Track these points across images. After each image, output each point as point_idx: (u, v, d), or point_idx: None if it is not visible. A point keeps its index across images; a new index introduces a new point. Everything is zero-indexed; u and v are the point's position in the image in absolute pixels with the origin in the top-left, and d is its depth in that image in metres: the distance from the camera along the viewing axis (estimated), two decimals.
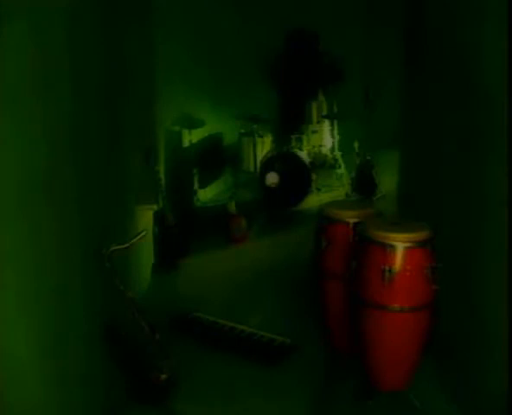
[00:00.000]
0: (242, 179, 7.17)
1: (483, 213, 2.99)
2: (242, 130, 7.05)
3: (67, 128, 2.72)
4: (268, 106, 7.12)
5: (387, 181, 6.26)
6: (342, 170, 7.27)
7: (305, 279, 4.49)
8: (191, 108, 6.66)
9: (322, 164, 7.22)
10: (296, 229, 6.21)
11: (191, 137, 6.70)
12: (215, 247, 5.79)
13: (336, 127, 7.22)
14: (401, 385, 3.16)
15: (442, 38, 3.64)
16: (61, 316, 2.55)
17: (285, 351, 3.90)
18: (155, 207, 5.23)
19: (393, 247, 2.98)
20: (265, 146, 6.98)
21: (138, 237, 3.11)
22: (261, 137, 6.98)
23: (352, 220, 3.41)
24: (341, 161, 7.28)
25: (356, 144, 6.76)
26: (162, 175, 5.34)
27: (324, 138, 7.20)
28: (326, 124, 7.18)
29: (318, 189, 6.84)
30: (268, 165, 6.61)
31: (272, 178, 6.57)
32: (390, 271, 2.95)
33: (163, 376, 3.21)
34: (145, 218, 4.92)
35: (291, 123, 6.94)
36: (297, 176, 6.60)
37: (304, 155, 6.81)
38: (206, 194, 7.15)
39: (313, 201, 6.58)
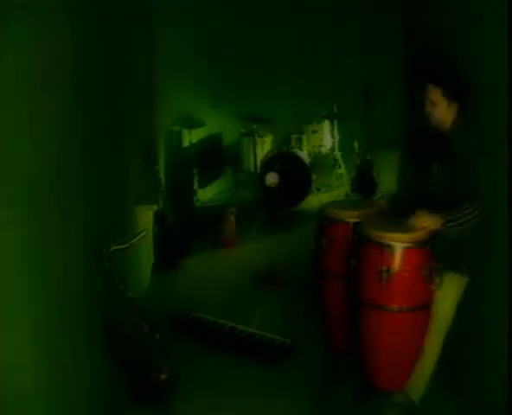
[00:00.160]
0: (242, 179, 7.16)
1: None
2: (242, 130, 7.05)
3: (73, 127, 2.73)
4: (268, 106, 7.11)
5: (387, 182, 6.26)
6: (342, 170, 7.27)
7: (305, 279, 4.50)
8: (191, 108, 6.66)
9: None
10: (296, 229, 6.21)
11: (191, 137, 6.70)
12: (215, 247, 5.79)
13: (336, 127, 7.21)
14: (400, 384, 3.16)
15: (442, 38, 3.64)
16: (63, 315, 2.55)
17: (285, 351, 3.90)
18: (155, 207, 5.23)
19: (391, 247, 2.98)
20: (265, 146, 6.98)
21: (138, 237, 3.11)
22: (261, 137, 6.98)
23: (352, 220, 3.41)
24: (341, 161, 7.28)
25: (356, 144, 6.76)
26: (162, 175, 5.34)
27: (324, 138, 7.19)
28: (326, 124, 7.17)
29: (318, 189, 6.84)
30: (268, 165, 6.61)
31: (271, 178, 6.57)
32: (388, 271, 2.95)
33: (163, 376, 3.21)
34: (145, 218, 4.92)
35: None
36: (297, 176, 6.60)
37: (304, 155, 6.80)
38: (206, 194, 7.15)
39: (313, 201, 6.58)
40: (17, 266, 2.17)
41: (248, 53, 7.20)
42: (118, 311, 3.13)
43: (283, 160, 6.62)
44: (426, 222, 3.01)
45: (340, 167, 7.28)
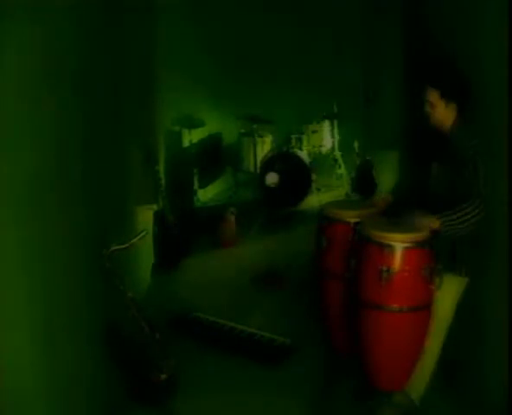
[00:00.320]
0: (242, 179, 7.17)
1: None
2: (242, 130, 7.05)
3: (73, 127, 2.74)
4: (268, 106, 7.11)
5: (387, 181, 6.26)
6: (342, 170, 7.27)
7: (305, 279, 4.50)
8: (191, 108, 6.66)
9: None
10: (296, 229, 6.21)
11: (191, 137, 6.70)
12: (215, 247, 5.79)
13: (336, 127, 7.21)
14: (400, 384, 3.16)
15: (442, 38, 3.64)
16: (63, 315, 2.55)
17: (285, 351, 3.90)
18: (155, 207, 5.23)
19: (391, 247, 2.98)
20: (265, 146, 6.98)
21: (138, 237, 3.11)
22: (261, 136, 6.98)
23: (352, 220, 3.41)
24: (341, 161, 7.28)
25: (356, 144, 6.76)
26: (162, 175, 5.34)
27: (324, 138, 7.19)
28: (326, 124, 7.17)
29: (318, 189, 6.84)
30: (268, 165, 6.61)
31: (271, 178, 6.57)
32: (388, 271, 2.95)
33: (163, 376, 3.21)
34: (145, 218, 4.92)
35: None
36: (297, 176, 6.60)
37: (304, 155, 6.81)
38: (206, 194, 7.15)
39: (313, 201, 6.58)
40: (17, 266, 2.17)
41: (248, 53, 7.20)
42: (118, 311, 3.13)
43: (283, 160, 6.62)
44: (425, 220, 3.02)
45: (340, 167, 7.28)
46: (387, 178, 6.30)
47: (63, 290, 2.57)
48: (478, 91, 3.03)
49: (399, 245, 2.98)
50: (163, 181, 5.29)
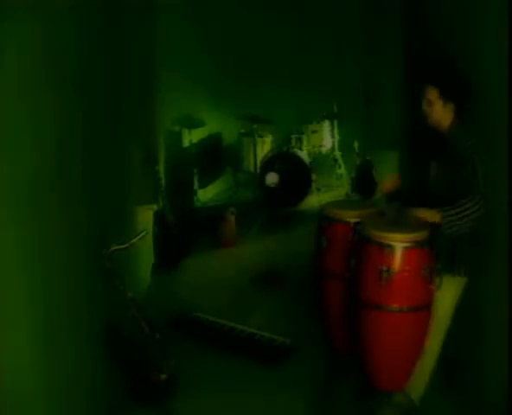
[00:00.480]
0: (242, 179, 7.17)
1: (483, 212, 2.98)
2: (242, 130, 7.05)
3: (73, 127, 2.74)
4: (268, 106, 7.11)
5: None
6: (342, 170, 7.27)
7: (305, 279, 4.50)
8: (191, 108, 6.66)
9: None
10: (296, 229, 6.21)
11: (191, 137, 6.70)
12: (215, 247, 5.79)
13: (336, 127, 7.21)
14: (400, 384, 3.16)
15: (442, 38, 3.64)
16: (63, 315, 2.55)
17: (285, 351, 3.90)
18: (155, 207, 5.23)
19: (391, 247, 2.98)
20: (265, 146, 6.98)
21: (138, 237, 3.11)
22: (261, 136, 6.98)
23: (352, 220, 3.41)
24: (341, 161, 7.28)
25: (356, 144, 6.76)
26: (162, 175, 5.34)
27: (324, 138, 7.19)
28: (326, 124, 7.17)
29: (318, 189, 6.84)
30: (268, 165, 6.61)
31: (271, 178, 6.57)
32: (388, 271, 2.95)
33: (163, 376, 3.21)
34: (145, 218, 4.92)
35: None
36: (297, 176, 6.60)
37: (304, 155, 6.81)
38: (206, 194, 7.15)
39: (313, 201, 6.58)
40: (17, 266, 2.17)
41: (248, 53, 7.20)
42: (118, 311, 3.13)
43: (283, 160, 6.62)
44: (425, 213, 3.02)
45: (340, 167, 7.28)
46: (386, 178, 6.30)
47: (63, 290, 2.57)
48: (478, 91, 3.03)
49: (399, 245, 2.98)
50: (163, 181, 5.29)
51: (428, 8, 3.99)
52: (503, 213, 2.84)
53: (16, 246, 2.15)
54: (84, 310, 2.85)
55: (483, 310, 3.16)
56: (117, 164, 3.86)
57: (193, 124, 6.63)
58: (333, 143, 7.24)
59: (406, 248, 2.98)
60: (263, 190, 6.64)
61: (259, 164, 6.79)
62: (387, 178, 3.68)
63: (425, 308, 3.03)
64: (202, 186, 6.99)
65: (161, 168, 5.40)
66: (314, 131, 7.14)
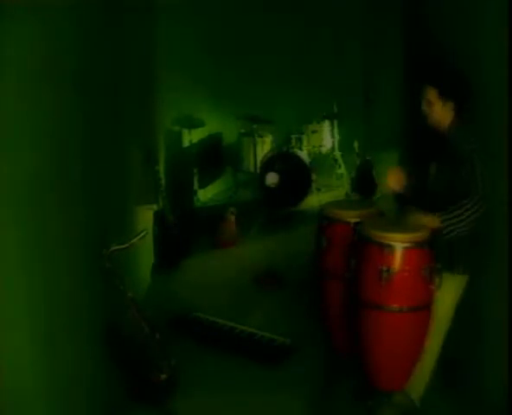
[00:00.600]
0: (242, 179, 7.17)
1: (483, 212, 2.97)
2: (242, 130, 7.05)
3: (73, 127, 2.74)
4: (268, 106, 7.11)
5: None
6: (342, 170, 7.27)
7: (305, 279, 4.50)
8: (191, 108, 6.66)
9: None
10: (296, 229, 6.21)
11: (191, 137, 6.70)
12: (215, 247, 5.79)
13: (336, 127, 7.21)
14: (400, 384, 3.16)
15: (442, 38, 3.64)
16: (63, 315, 2.55)
17: (285, 351, 3.90)
18: (155, 207, 5.23)
19: (391, 247, 2.98)
20: (265, 146, 6.98)
21: (138, 237, 3.11)
22: (261, 136, 6.98)
23: (352, 220, 3.41)
24: (341, 161, 7.28)
25: (356, 144, 6.76)
26: (162, 175, 5.34)
27: (324, 138, 7.19)
28: (326, 124, 7.17)
29: (318, 189, 6.84)
30: (268, 165, 6.61)
31: (271, 178, 6.57)
32: (388, 271, 2.95)
33: (163, 376, 3.21)
34: (145, 218, 4.93)
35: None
36: (297, 176, 6.60)
37: (304, 155, 6.81)
38: (206, 194, 7.15)
39: (313, 201, 6.58)
40: (17, 266, 2.17)
41: (248, 53, 7.20)
42: (118, 311, 3.13)
43: (283, 160, 6.61)
44: (422, 220, 3.02)
45: (340, 167, 7.28)
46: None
47: (63, 290, 2.57)
48: (478, 91, 3.03)
49: (399, 245, 2.98)
50: (163, 181, 5.29)
51: (428, 8, 3.99)
52: (503, 213, 2.84)
53: (15, 246, 2.15)
54: (84, 310, 2.85)
55: (483, 310, 3.16)
56: (117, 164, 3.86)
57: (193, 124, 6.63)
58: (333, 143, 7.24)
59: (406, 248, 2.98)
60: (263, 190, 6.64)
61: (259, 164, 6.79)
62: (390, 173, 3.50)
63: (425, 308, 3.03)
64: (202, 186, 6.99)
65: (161, 168, 5.40)
66: (314, 131, 7.14)
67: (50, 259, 2.42)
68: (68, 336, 2.61)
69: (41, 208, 2.35)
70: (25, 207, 2.21)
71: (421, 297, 3.01)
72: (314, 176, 6.69)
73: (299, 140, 6.98)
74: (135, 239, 3.09)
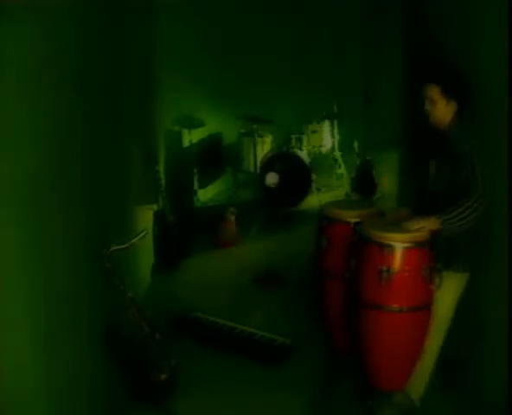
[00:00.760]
0: (242, 179, 7.17)
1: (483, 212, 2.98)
2: (242, 130, 7.05)
3: (73, 127, 2.74)
4: (268, 106, 7.11)
5: (387, 181, 6.26)
6: (342, 170, 7.27)
7: (305, 279, 4.50)
8: (191, 108, 6.66)
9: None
10: (296, 229, 6.21)
11: (191, 137, 6.70)
12: (215, 247, 5.79)
13: (336, 127, 7.21)
14: (400, 384, 3.16)
15: (442, 38, 3.64)
16: (63, 315, 2.55)
17: (285, 351, 3.90)
18: (155, 207, 5.23)
19: (391, 247, 2.98)
20: (265, 146, 6.98)
21: (138, 237, 3.11)
22: (261, 136, 6.98)
23: (352, 220, 3.42)
24: (341, 161, 7.28)
25: (356, 144, 6.76)
26: (162, 175, 5.34)
27: (324, 138, 7.19)
28: (326, 124, 7.17)
29: (318, 189, 6.84)
30: (268, 165, 6.61)
31: (271, 178, 6.57)
32: (388, 271, 2.95)
33: (163, 376, 3.21)
34: (145, 218, 4.93)
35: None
36: (297, 176, 6.60)
37: (304, 155, 6.81)
38: (206, 194, 7.15)
39: (313, 201, 6.58)
40: (17, 266, 2.17)
41: (248, 53, 7.20)
42: (118, 311, 3.13)
43: (283, 160, 6.62)
44: (424, 223, 3.01)
45: (340, 167, 7.28)
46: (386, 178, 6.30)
47: (63, 290, 2.57)
48: (478, 91, 3.03)
49: (399, 245, 2.98)
50: (163, 181, 5.29)
51: (428, 8, 3.99)
52: (503, 213, 2.84)
53: (16, 246, 2.14)
54: (84, 310, 2.85)
55: (483, 309, 3.16)
56: (117, 164, 3.86)
57: (193, 124, 6.63)
58: (333, 143, 7.24)
59: (406, 248, 2.98)
60: (263, 190, 6.64)
61: (259, 164, 6.79)
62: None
63: (425, 308, 3.03)
64: (202, 186, 6.99)
65: (161, 168, 5.40)
66: (314, 131, 7.14)
67: (50, 259, 2.42)
68: (68, 336, 2.61)
69: (41, 208, 2.35)
70: (25, 207, 2.21)
71: (421, 297, 3.01)
72: (314, 176, 6.69)
73: (299, 140, 6.99)
74: (135, 239, 3.09)
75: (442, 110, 3.06)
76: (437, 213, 2.99)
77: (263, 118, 6.78)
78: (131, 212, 4.44)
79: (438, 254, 3.02)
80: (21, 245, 2.18)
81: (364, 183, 6.55)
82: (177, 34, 6.37)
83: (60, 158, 2.57)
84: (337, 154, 7.27)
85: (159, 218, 5.21)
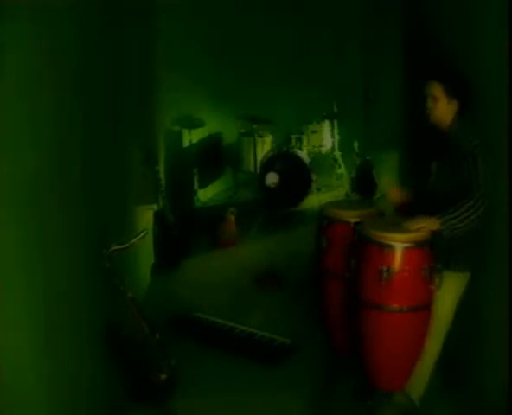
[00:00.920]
0: (242, 179, 7.17)
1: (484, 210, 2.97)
2: (242, 130, 7.05)
3: (73, 127, 2.74)
4: (268, 106, 7.11)
5: (387, 181, 6.25)
6: (342, 170, 7.27)
7: (305, 279, 4.50)
8: (191, 108, 6.66)
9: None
10: (296, 229, 6.21)
11: (191, 137, 6.70)
12: (215, 247, 5.79)
13: (336, 127, 7.21)
14: (400, 384, 3.16)
15: (442, 38, 3.64)
16: (63, 315, 2.55)
17: (285, 351, 3.90)
18: (155, 207, 5.23)
19: (391, 247, 2.98)
20: (265, 146, 6.98)
21: (138, 237, 3.11)
22: (261, 136, 6.98)
23: (352, 220, 3.42)
24: (341, 161, 7.28)
25: (356, 144, 6.76)
26: (162, 175, 5.34)
27: (324, 138, 7.19)
28: (326, 124, 7.17)
29: (318, 189, 6.84)
30: (268, 165, 6.61)
31: (271, 178, 6.57)
32: (388, 271, 2.95)
33: (163, 376, 3.21)
34: (145, 218, 4.93)
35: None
36: (297, 176, 6.60)
37: (304, 155, 6.81)
38: (206, 194, 7.15)
39: (313, 201, 6.58)
40: (17, 266, 2.17)
41: (248, 53, 7.20)
42: (118, 311, 3.13)
43: (283, 160, 6.61)
44: (424, 223, 3.01)
45: (340, 167, 7.28)
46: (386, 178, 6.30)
47: (63, 290, 2.57)
48: (478, 91, 3.03)
49: (399, 245, 2.98)
50: (163, 182, 5.29)
51: (428, 7, 3.99)
52: (503, 213, 2.84)
53: (16, 246, 2.14)
54: (84, 310, 2.85)
55: (483, 310, 3.16)
56: (117, 164, 3.86)
57: (193, 124, 6.63)
58: (333, 143, 7.24)
59: (406, 248, 2.98)
60: (263, 190, 6.64)
61: (259, 164, 6.79)
62: (391, 188, 3.56)
63: (425, 308, 3.03)
64: (202, 186, 6.99)
65: (161, 168, 5.40)
66: (314, 131, 7.14)
67: (50, 259, 2.42)
68: (68, 336, 2.61)
69: (41, 208, 2.35)
70: (25, 207, 2.21)
71: (421, 297, 3.01)
72: (314, 176, 6.69)
73: (299, 140, 6.99)
74: (135, 239, 3.09)
75: (443, 108, 3.05)
76: (437, 213, 2.99)
77: (263, 118, 6.78)
78: (131, 212, 4.44)
79: (438, 254, 3.02)
80: (21, 245, 2.18)
81: (364, 183, 6.55)
82: (177, 34, 6.37)
83: (60, 158, 2.57)
84: (337, 154, 7.27)
85: (159, 218, 5.21)
